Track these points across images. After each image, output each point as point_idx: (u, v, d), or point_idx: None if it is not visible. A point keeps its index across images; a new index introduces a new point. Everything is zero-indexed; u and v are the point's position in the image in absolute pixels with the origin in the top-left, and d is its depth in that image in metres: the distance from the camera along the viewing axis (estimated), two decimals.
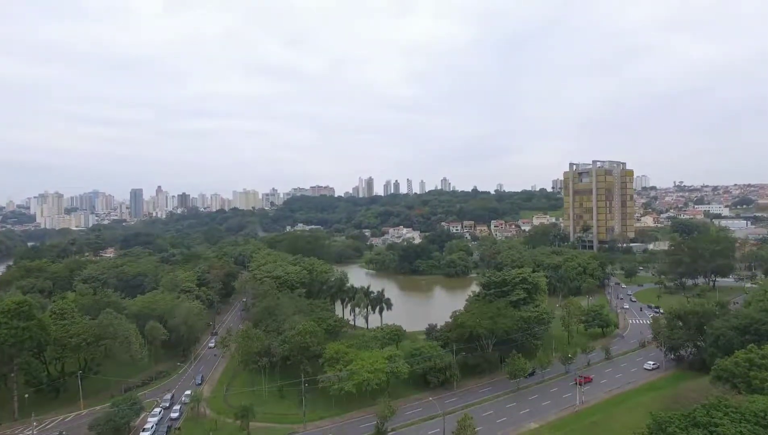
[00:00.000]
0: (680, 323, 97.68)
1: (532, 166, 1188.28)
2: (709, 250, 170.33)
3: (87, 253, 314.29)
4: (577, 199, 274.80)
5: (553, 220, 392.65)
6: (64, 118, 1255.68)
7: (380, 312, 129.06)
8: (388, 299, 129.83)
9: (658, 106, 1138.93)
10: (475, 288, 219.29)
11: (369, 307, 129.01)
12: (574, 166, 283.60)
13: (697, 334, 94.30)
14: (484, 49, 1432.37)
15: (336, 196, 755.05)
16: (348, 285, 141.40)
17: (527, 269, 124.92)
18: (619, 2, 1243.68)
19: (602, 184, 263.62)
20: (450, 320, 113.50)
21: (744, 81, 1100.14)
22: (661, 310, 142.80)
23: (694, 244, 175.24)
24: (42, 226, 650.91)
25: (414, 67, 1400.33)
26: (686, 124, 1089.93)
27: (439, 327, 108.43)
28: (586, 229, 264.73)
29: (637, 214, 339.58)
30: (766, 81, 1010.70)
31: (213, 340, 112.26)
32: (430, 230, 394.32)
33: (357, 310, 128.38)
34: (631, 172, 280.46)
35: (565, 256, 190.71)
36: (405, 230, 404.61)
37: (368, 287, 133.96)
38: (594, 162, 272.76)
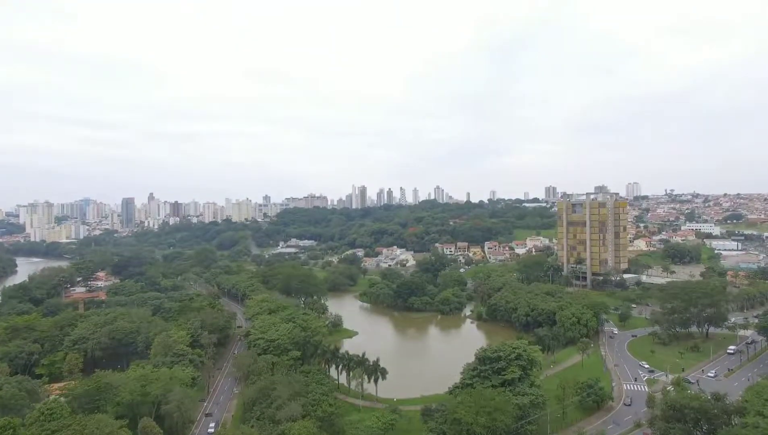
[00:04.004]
0: (676, 414, 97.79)
1: (525, 169, 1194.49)
2: (701, 302, 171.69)
3: (79, 279, 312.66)
4: (571, 230, 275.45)
5: (546, 241, 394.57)
6: (57, 122, 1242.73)
7: (375, 381, 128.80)
8: (384, 369, 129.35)
9: (650, 111, 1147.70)
10: (468, 325, 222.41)
11: (365, 376, 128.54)
12: (568, 197, 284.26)
13: (695, 428, 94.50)
14: (478, 53, 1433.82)
15: (329, 207, 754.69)
16: (342, 351, 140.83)
17: (523, 342, 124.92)
18: (611, 8, 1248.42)
19: (596, 216, 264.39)
20: (448, 393, 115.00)
21: (731, 87, 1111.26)
22: (656, 371, 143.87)
23: (685, 295, 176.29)
24: (32, 238, 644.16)
25: (408, 71, 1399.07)
26: (676, 128, 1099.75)
27: (435, 406, 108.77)
28: (580, 261, 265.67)
29: (630, 236, 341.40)
30: (753, 86, 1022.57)
31: (211, 426, 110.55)
32: (424, 250, 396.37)
33: (354, 383, 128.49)
34: (624, 204, 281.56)
35: (560, 302, 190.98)
36: (399, 251, 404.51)
37: (363, 354, 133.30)
38: (587, 194, 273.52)
